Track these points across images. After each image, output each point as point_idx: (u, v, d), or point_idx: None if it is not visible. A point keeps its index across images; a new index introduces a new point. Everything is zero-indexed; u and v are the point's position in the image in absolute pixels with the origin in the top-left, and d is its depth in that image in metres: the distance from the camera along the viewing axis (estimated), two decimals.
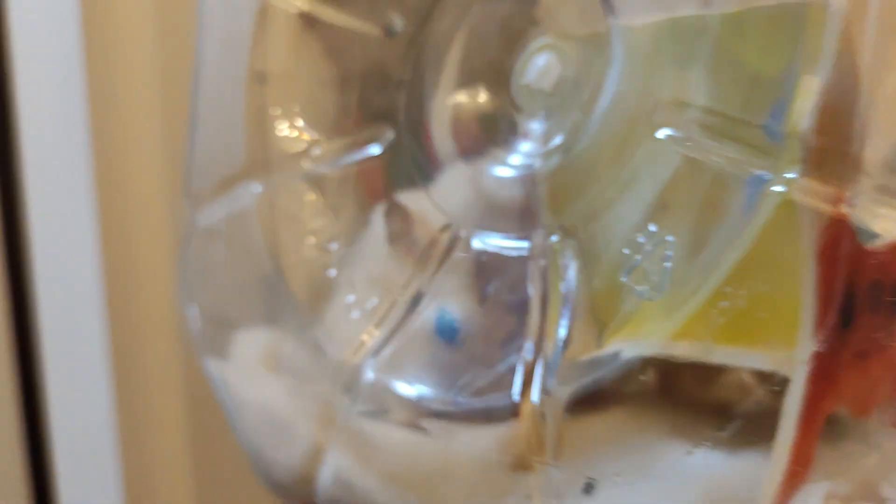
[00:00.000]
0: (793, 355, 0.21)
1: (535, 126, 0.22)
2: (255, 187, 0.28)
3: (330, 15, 0.25)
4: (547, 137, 0.21)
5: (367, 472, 0.24)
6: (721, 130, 0.20)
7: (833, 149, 0.19)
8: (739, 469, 0.21)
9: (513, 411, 0.21)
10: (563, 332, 0.21)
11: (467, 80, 0.25)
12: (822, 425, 0.22)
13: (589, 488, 0.23)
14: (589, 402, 0.21)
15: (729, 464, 0.22)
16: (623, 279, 0.21)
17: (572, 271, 0.20)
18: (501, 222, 0.23)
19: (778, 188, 0.19)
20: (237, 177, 0.28)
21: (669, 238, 0.20)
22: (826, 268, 0.21)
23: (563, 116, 0.22)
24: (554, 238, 0.21)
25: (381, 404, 0.24)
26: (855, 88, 0.19)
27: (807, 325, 0.21)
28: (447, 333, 0.24)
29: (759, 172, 0.20)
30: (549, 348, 0.21)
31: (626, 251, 0.20)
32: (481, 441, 0.21)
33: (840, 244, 0.21)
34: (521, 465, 0.21)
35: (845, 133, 0.19)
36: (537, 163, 0.21)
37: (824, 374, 0.22)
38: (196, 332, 0.30)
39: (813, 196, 0.20)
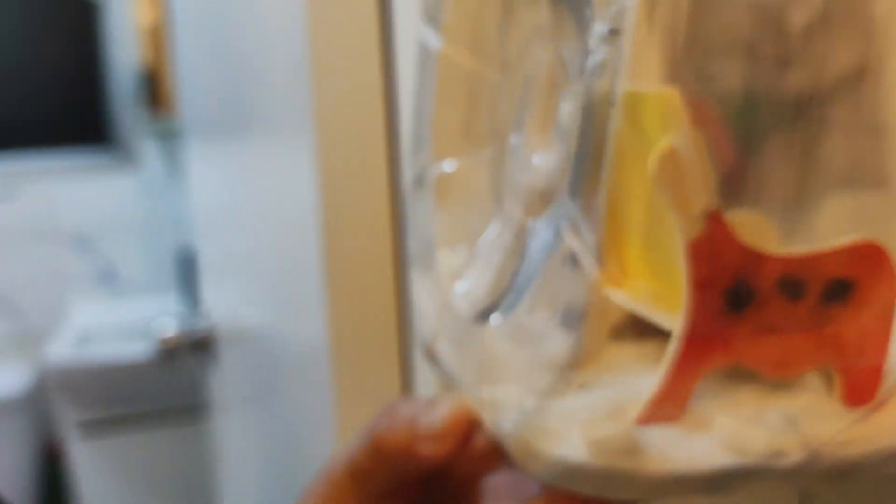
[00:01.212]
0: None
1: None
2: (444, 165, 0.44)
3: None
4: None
5: (454, 352, 0.39)
6: None
7: None
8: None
9: None
10: None
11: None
12: (703, 373, 0.32)
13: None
14: None
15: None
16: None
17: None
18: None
19: None
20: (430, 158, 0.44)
21: None
22: (697, 266, 0.30)
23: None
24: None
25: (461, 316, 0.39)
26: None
27: (685, 305, 0.31)
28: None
29: None
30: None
31: None
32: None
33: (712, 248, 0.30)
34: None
35: None
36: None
37: (704, 337, 0.31)
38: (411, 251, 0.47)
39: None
